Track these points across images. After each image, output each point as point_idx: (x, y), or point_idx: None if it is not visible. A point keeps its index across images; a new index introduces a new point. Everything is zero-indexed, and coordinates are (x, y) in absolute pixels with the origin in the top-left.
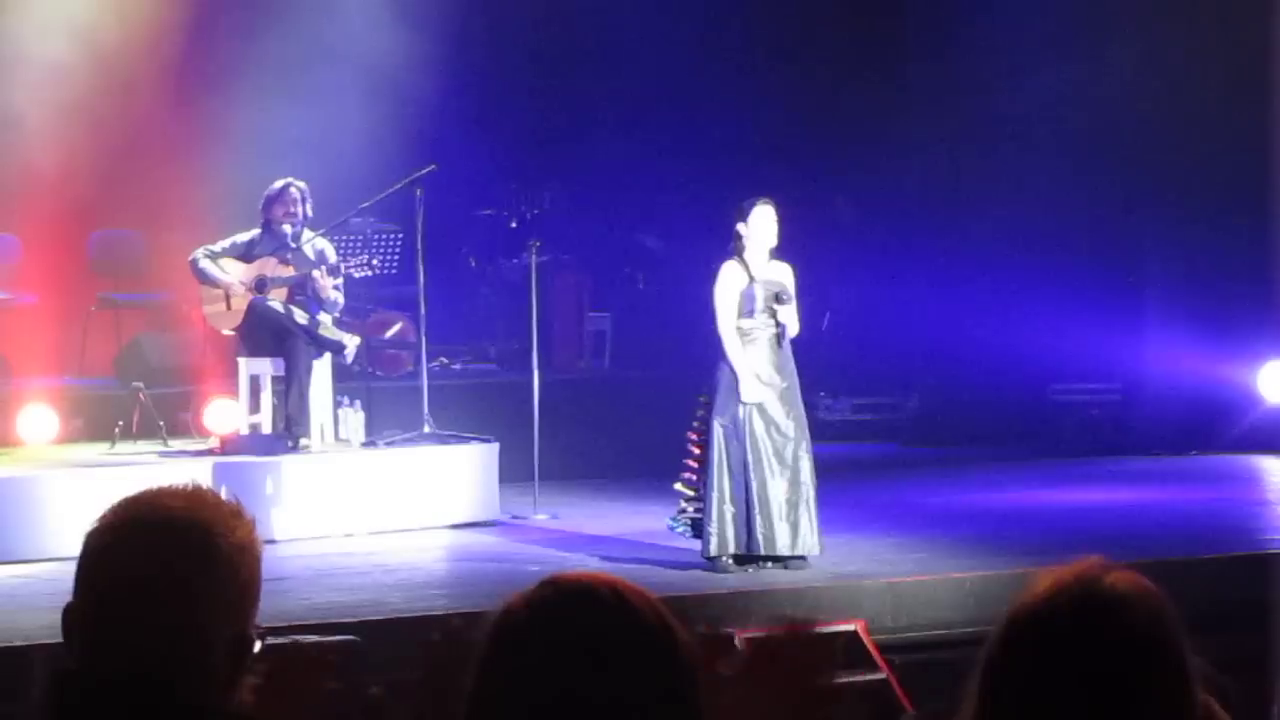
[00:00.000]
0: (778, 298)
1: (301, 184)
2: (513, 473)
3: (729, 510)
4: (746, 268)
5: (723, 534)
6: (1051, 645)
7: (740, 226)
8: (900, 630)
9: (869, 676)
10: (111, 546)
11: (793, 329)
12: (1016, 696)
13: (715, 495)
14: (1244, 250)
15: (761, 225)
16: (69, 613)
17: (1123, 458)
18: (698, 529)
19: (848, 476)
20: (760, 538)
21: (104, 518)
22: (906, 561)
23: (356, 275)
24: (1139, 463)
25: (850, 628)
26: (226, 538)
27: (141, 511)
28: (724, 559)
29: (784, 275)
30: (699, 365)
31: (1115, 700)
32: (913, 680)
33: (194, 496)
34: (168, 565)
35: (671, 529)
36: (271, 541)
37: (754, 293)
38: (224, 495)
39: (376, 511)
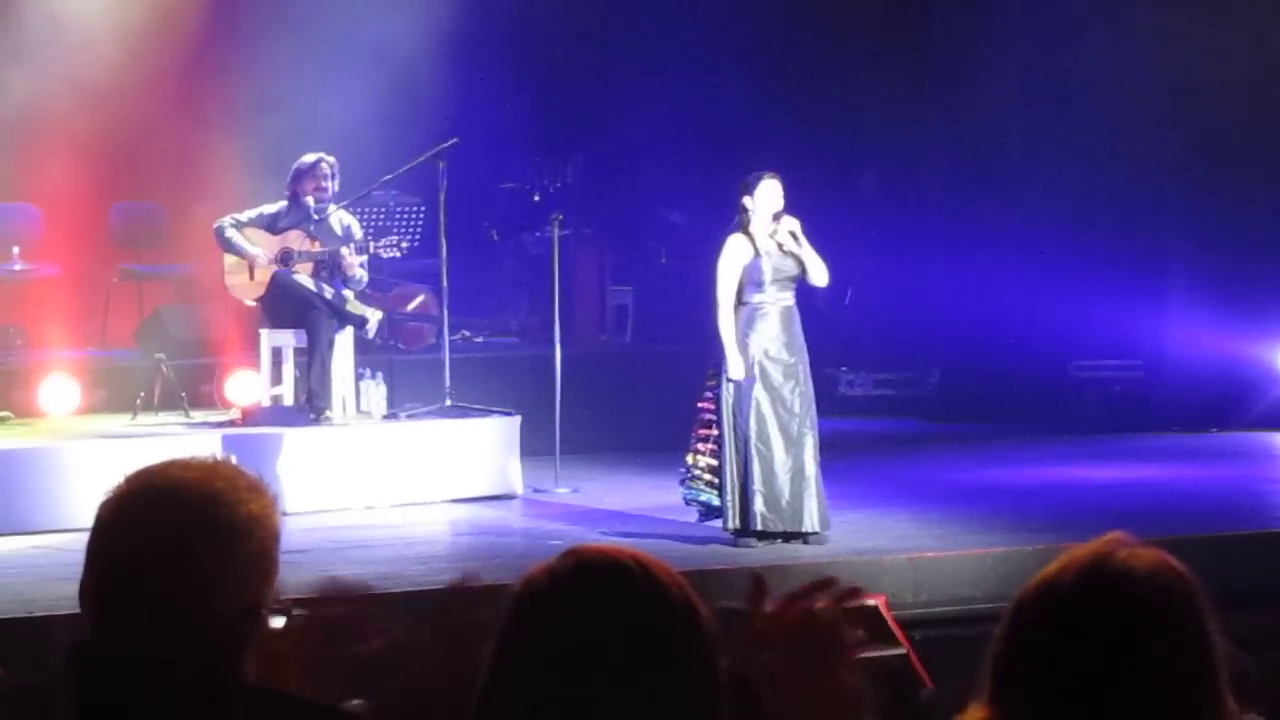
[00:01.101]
0: (794, 236)
1: (332, 159)
2: (534, 446)
3: (735, 484)
4: (752, 241)
5: (735, 506)
6: (1058, 616)
7: (746, 200)
8: (921, 606)
9: (889, 652)
10: (120, 518)
11: (816, 266)
12: (1026, 668)
13: (727, 470)
14: (1268, 227)
15: (767, 199)
16: (82, 584)
17: (1144, 434)
18: (716, 499)
19: (869, 452)
20: (758, 515)
21: (116, 489)
22: (927, 537)
23: (385, 255)
24: (1160, 439)
25: (871, 603)
26: (236, 509)
27: (152, 482)
28: (746, 535)
29: (791, 230)
30: (713, 341)
31: (1123, 671)
32: (933, 656)
33: (208, 468)
34: (175, 536)
35: (694, 502)
36: (292, 514)
37: (760, 266)
38: (242, 469)
39: (397, 484)
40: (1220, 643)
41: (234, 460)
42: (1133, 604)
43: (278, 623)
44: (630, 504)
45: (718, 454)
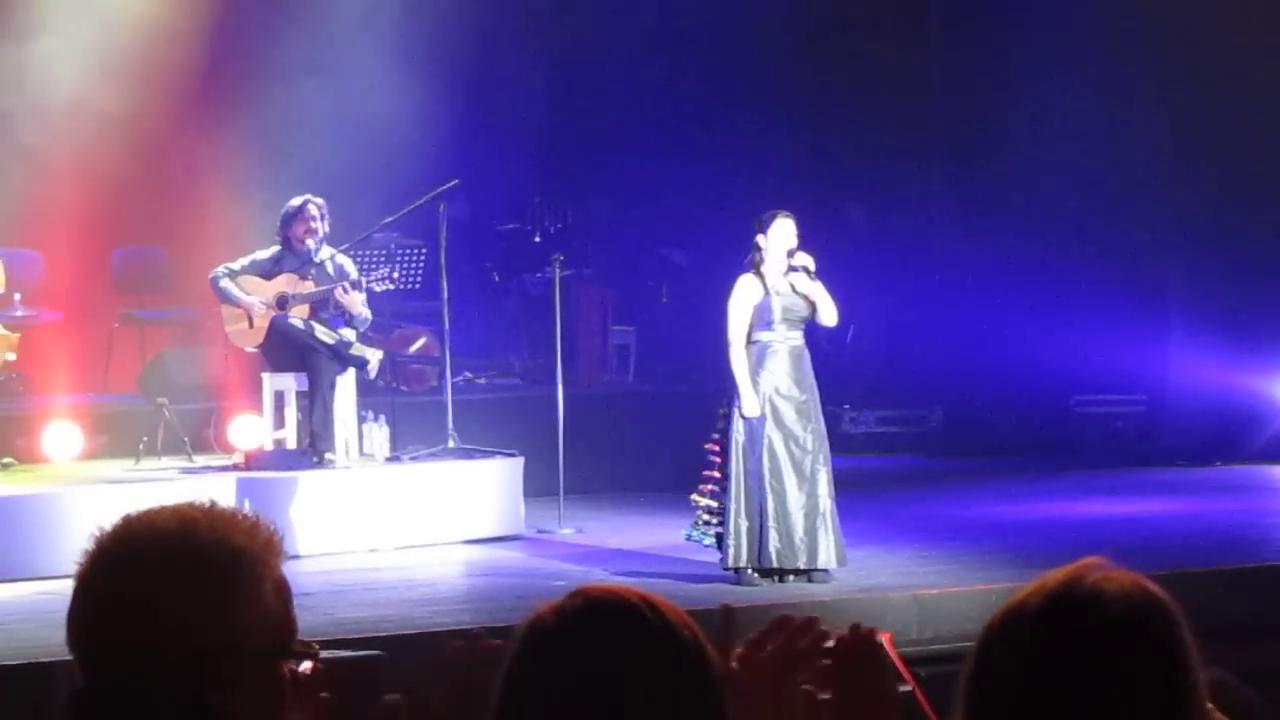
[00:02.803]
0: (807, 272)
1: (319, 200)
2: (537, 487)
3: (744, 523)
4: (763, 280)
5: (738, 546)
6: (1024, 638)
7: (760, 239)
8: (926, 642)
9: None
10: (97, 567)
11: (826, 306)
12: (995, 690)
13: (733, 508)
14: (1269, 262)
15: (780, 238)
16: (71, 635)
17: (1147, 469)
18: (721, 541)
19: (872, 489)
20: (773, 551)
21: (94, 542)
22: (932, 573)
23: (377, 289)
24: (1163, 473)
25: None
26: (220, 547)
27: (132, 529)
28: (749, 571)
29: (805, 264)
30: (722, 378)
31: (1092, 692)
32: (939, 693)
33: (211, 510)
34: (164, 579)
35: (691, 539)
36: (295, 557)
37: (770, 305)
38: (240, 511)
39: (401, 526)
40: (1201, 669)
41: (240, 503)
42: (1101, 625)
43: (304, 666)
44: (634, 543)
45: (718, 495)
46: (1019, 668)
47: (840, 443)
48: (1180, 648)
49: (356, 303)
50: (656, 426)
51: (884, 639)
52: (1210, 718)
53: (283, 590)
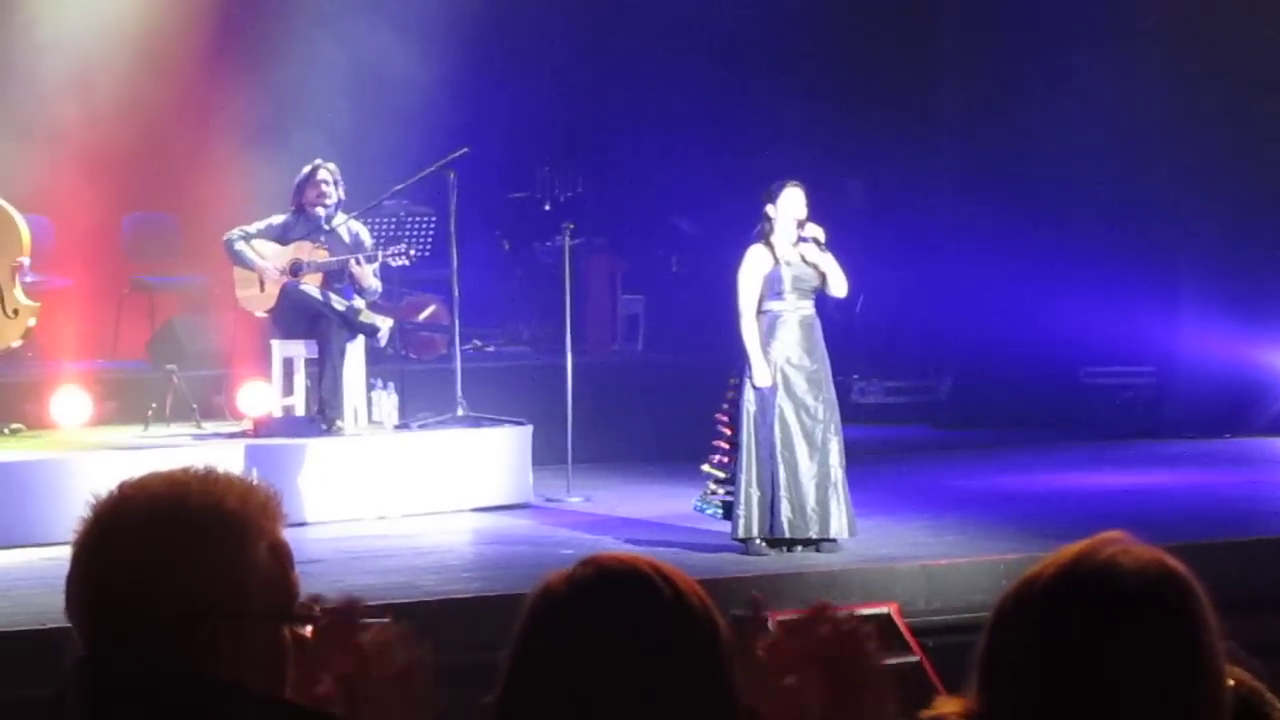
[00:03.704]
0: (817, 243)
1: (331, 165)
2: (546, 455)
3: (755, 493)
4: (773, 250)
5: (749, 516)
6: (1037, 607)
7: (769, 209)
8: (933, 613)
9: (902, 659)
10: (89, 536)
11: (836, 277)
12: (1009, 665)
13: (743, 478)
14: (1279, 234)
15: (789, 207)
16: (69, 605)
17: (1155, 440)
18: (729, 511)
19: (881, 459)
20: (785, 521)
21: (89, 511)
22: (940, 544)
23: (394, 264)
24: (1172, 445)
25: (883, 610)
26: (212, 512)
27: (124, 497)
28: (757, 541)
29: (815, 236)
30: (732, 348)
31: (1105, 666)
32: (946, 663)
33: (197, 478)
34: (136, 547)
35: (699, 510)
36: (304, 524)
37: (780, 275)
38: (235, 476)
39: (409, 494)
40: (1221, 645)
41: (250, 470)
42: (1116, 597)
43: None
44: (643, 512)
45: (727, 466)
46: (1033, 640)
47: (849, 413)
48: (1197, 623)
49: (368, 274)
50: (666, 396)
51: (891, 609)
52: (1230, 694)
53: (280, 553)
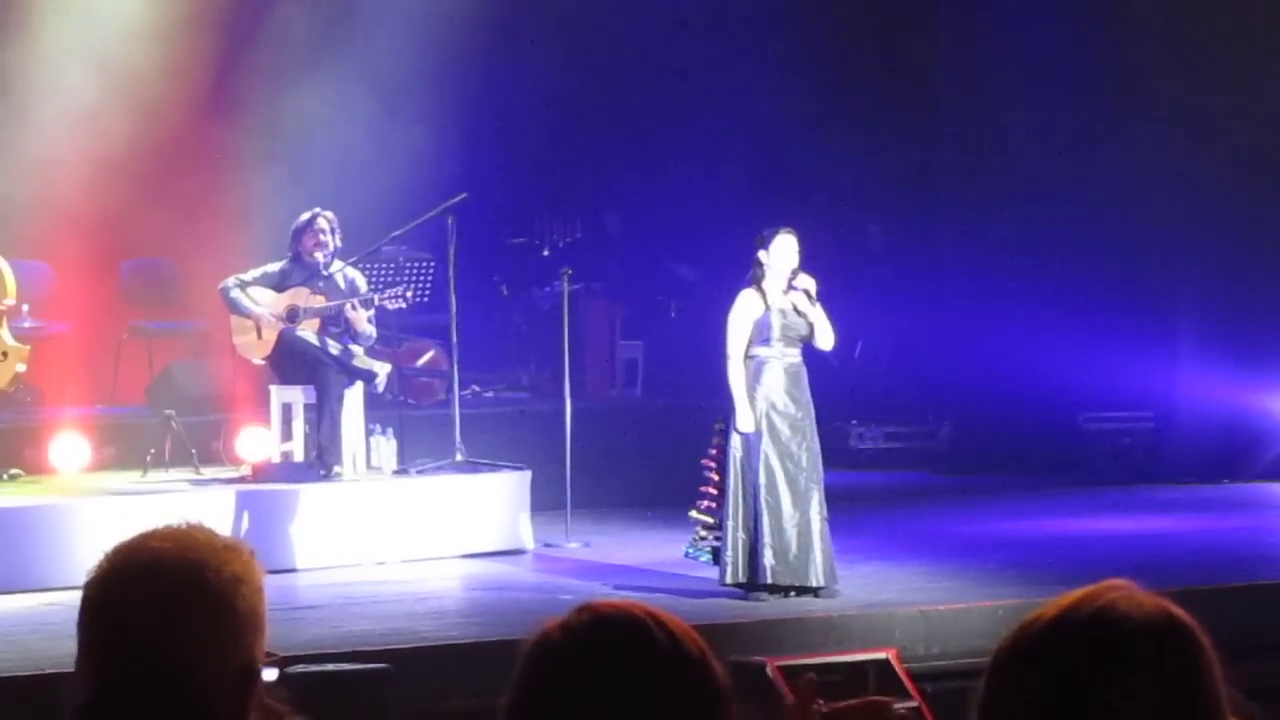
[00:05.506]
0: (807, 295)
1: (329, 214)
2: (545, 501)
3: (742, 537)
4: (764, 296)
5: (735, 563)
6: (1037, 656)
7: (761, 254)
8: (933, 658)
9: (901, 704)
10: (107, 595)
11: (824, 330)
12: (1009, 711)
13: (730, 523)
14: (1277, 279)
15: (783, 254)
16: (78, 660)
17: (1154, 485)
18: (718, 556)
19: (879, 504)
20: (766, 567)
21: (97, 568)
22: (938, 589)
23: (390, 307)
24: (1170, 491)
25: (882, 655)
26: (219, 572)
27: (131, 558)
28: (754, 589)
29: (806, 288)
30: (720, 393)
31: (1105, 715)
32: (945, 708)
33: (182, 536)
34: (162, 608)
35: (689, 556)
36: (303, 570)
37: (769, 321)
38: (216, 531)
39: (408, 540)
40: (1224, 695)
41: (248, 516)
42: (1116, 645)
43: (270, 675)
44: (642, 558)
45: (714, 511)
46: (1035, 687)
47: (847, 458)
48: (1199, 673)
49: (361, 320)
50: (665, 441)
51: (890, 654)
52: None
53: (257, 610)
